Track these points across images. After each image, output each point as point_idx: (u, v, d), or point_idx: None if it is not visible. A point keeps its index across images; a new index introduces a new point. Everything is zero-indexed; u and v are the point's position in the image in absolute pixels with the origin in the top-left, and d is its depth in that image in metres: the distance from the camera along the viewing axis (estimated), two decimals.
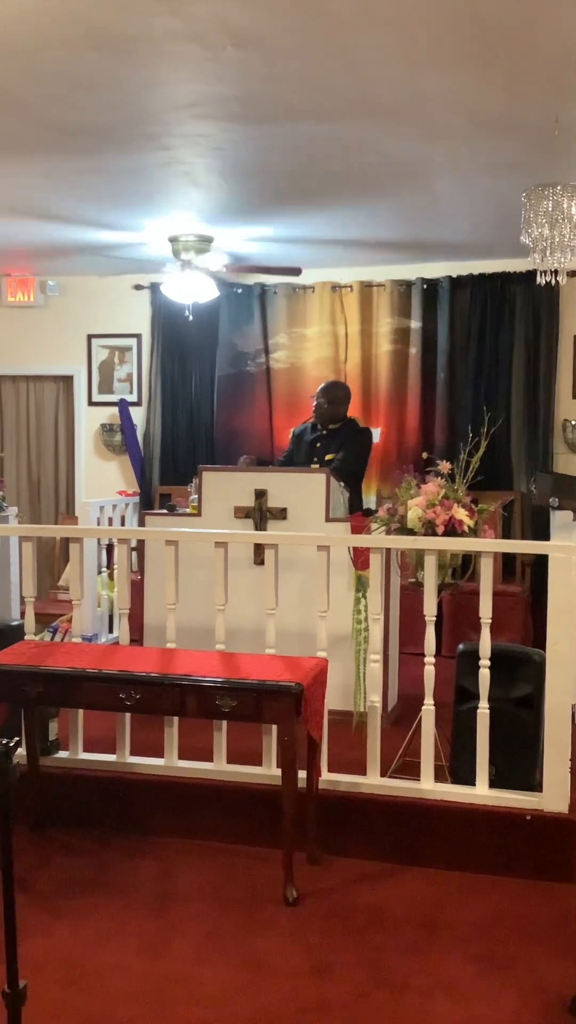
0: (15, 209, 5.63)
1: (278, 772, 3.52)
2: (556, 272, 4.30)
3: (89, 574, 5.79)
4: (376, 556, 3.83)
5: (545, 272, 4.30)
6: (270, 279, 7.28)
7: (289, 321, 7.41)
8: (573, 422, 6.90)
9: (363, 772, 3.82)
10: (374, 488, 7.06)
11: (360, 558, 4.22)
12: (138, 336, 7.79)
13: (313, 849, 3.64)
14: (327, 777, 3.77)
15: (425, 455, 4.53)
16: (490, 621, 3.66)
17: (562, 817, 3.55)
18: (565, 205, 4.07)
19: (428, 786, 3.73)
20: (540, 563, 5.97)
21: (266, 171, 4.87)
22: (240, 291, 7.44)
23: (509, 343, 6.97)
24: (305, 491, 4.86)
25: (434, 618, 3.78)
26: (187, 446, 7.66)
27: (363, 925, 3.21)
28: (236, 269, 6.68)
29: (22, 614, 4.33)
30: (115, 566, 4.43)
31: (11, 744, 2.15)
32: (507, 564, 6.82)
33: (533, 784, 3.69)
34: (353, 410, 5.83)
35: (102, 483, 7.85)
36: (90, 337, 7.88)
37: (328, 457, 5.44)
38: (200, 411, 7.64)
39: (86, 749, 4.12)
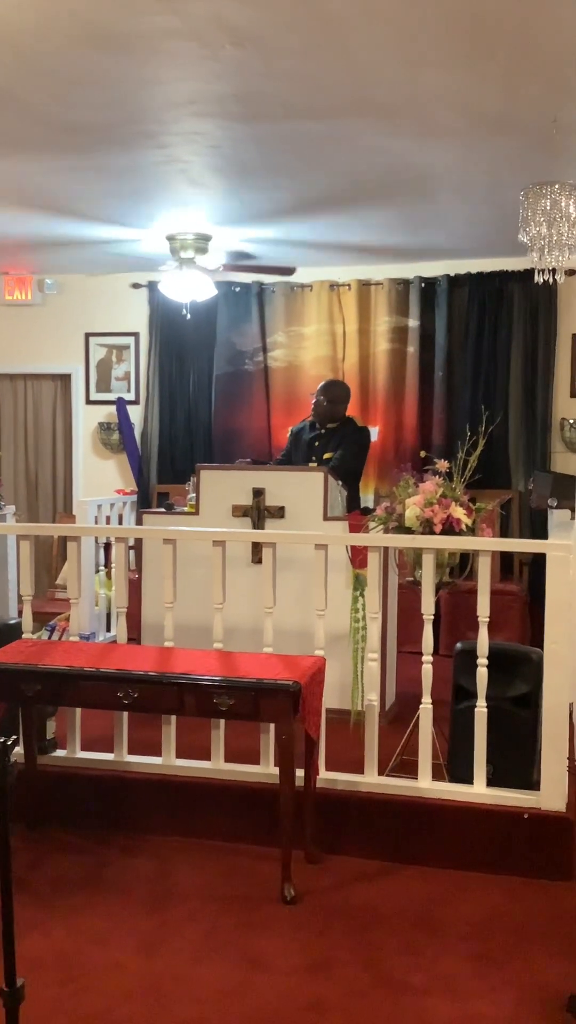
0: (13, 207, 5.63)
1: (276, 771, 3.52)
2: (554, 271, 4.31)
3: (87, 573, 5.79)
4: (374, 555, 3.83)
5: (543, 271, 4.30)
6: (268, 277, 7.28)
7: (287, 320, 7.41)
8: (571, 420, 6.91)
9: (361, 771, 3.82)
10: (372, 487, 7.07)
11: (358, 557, 4.22)
12: (136, 335, 7.78)
13: (311, 848, 3.64)
14: (325, 776, 3.77)
15: (423, 454, 4.52)
16: (488, 620, 3.66)
17: (559, 816, 3.55)
18: (563, 204, 4.07)
19: (426, 785, 3.73)
20: (538, 562, 5.97)
21: (264, 169, 4.86)
22: (238, 290, 7.43)
23: (507, 342, 6.98)
24: (303, 490, 4.86)
25: (432, 617, 3.78)
26: (185, 444, 7.66)
27: (361, 923, 3.21)
28: (230, 268, 6.68)
29: (20, 613, 4.33)
30: (113, 565, 4.43)
31: (8, 743, 2.14)
32: (505, 563, 6.83)
33: (531, 783, 3.69)
34: (351, 409, 5.84)
35: (100, 482, 7.84)
36: (88, 336, 7.88)
37: (326, 456, 5.43)
38: (198, 410, 7.64)
39: (84, 748, 4.12)
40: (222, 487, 4.98)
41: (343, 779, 3.81)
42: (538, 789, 3.61)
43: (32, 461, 8.18)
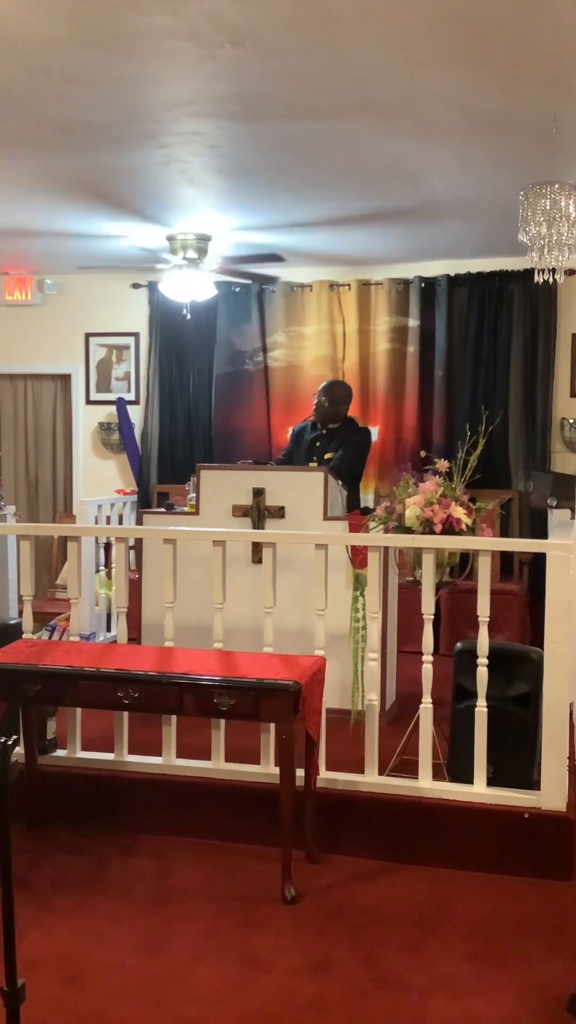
0: (13, 207, 5.63)
1: (276, 770, 3.52)
2: (554, 270, 4.31)
3: (87, 573, 5.79)
4: (374, 554, 3.83)
5: (543, 270, 4.30)
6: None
7: (287, 320, 7.41)
8: (571, 420, 6.91)
9: (361, 770, 3.82)
10: (372, 487, 7.07)
11: (358, 556, 4.22)
12: (136, 335, 7.79)
13: (311, 847, 3.64)
14: (325, 775, 3.77)
15: (423, 453, 4.52)
16: (488, 619, 3.66)
17: (560, 815, 3.55)
18: (563, 203, 4.07)
19: (426, 784, 3.73)
20: (538, 561, 5.97)
21: (263, 169, 4.86)
22: (238, 290, 7.43)
23: (507, 341, 6.98)
24: (303, 490, 4.86)
25: (432, 616, 3.78)
26: (185, 444, 7.67)
27: (361, 923, 3.22)
28: (222, 270, 6.69)
29: (20, 613, 4.33)
30: (113, 565, 4.43)
31: (9, 743, 2.14)
32: (505, 562, 6.83)
33: (531, 782, 3.69)
34: (351, 409, 5.84)
35: (100, 482, 7.84)
36: (88, 336, 7.88)
37: (327, 456, 5.44)
38: (198, 409, 7.64)
39: (84, 748, 4.12)
40: (222, 487, 4.98)
41: (343, 779, 3.81)
42: (538, 789, 3.61)
43: (32, 461, 8.18)
